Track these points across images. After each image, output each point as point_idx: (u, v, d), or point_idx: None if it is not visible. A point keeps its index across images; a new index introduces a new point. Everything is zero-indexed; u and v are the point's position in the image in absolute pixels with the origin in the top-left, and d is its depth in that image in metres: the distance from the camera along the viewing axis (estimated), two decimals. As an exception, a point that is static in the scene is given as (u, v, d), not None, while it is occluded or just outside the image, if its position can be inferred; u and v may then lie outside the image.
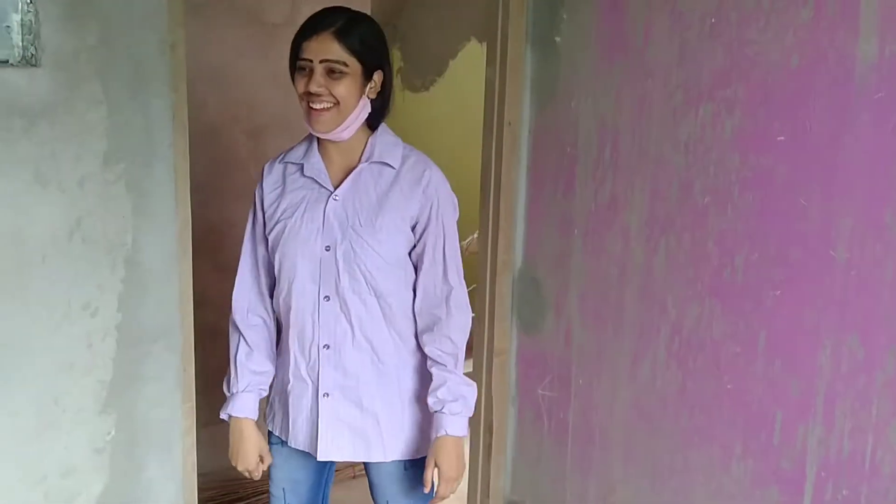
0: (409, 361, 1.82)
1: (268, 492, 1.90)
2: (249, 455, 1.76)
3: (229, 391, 1.78)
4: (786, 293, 1.91)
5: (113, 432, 1.70)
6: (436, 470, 1.75)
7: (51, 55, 1.51)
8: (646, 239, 2.15)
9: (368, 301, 1.71)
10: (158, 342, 1.75)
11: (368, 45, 1.64)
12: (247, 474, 1.81)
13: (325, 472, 1.90)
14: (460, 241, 1.85)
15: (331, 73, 1.58)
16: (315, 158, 1.71)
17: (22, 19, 1.50)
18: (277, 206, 1.72)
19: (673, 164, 2.07)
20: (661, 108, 2.07)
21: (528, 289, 2.46)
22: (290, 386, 1.77)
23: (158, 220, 1.71)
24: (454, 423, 1.72)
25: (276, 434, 1.84)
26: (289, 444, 1.81)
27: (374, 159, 1.70)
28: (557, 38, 2.31)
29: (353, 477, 3.33)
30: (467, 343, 1.88)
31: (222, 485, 2.94)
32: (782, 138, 1.89)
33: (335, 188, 1.69)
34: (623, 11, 2.14)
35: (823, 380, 1.88)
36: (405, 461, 1.84)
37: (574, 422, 2.38)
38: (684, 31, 2.00)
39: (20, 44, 1.50)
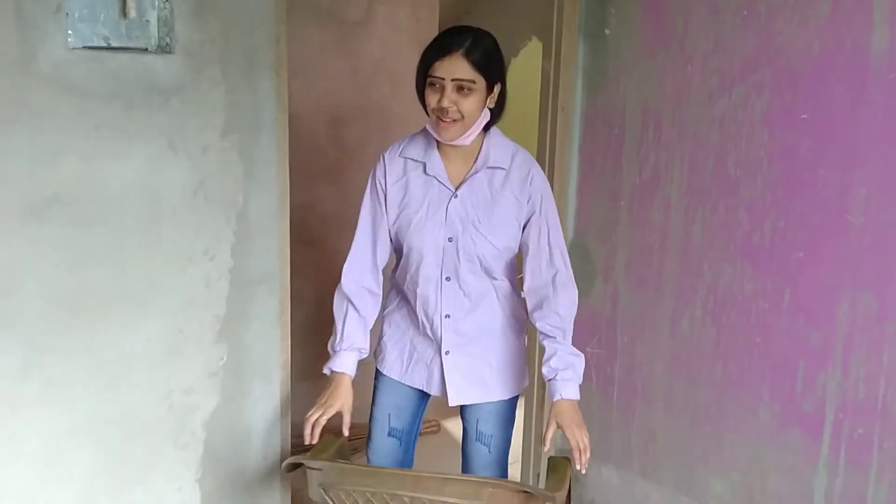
0: (512, 322, 2.07)
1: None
2: (335, 403, 1.86)
3: (333, 350, 1.94)
4: (808, 254, 2.14)
5: (225, 359, 2.00)
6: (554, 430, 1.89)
7: (182, 44, 1.82)
8: (684, 209, 2.38)
9: (482, 279, 1.97)
10: (262, 286, 2.04)
11: (492, 62, 1.81)
12: (308, 426, 1.85)
13: (424, 404, 2.16)
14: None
15: (460, 89, 1.76)
16: (436, 158, 1.91)
17: (159, 15, 1.82)
18: (402, 198, 1.93)
19: (709, 141, 2.30)
20: (699, 91, 2.30)
21: (578, 257, 2.72)
22: (414, 339, 2.04)
23: (263, 183, 2.00)
24: (567, 388, 1.89)
25: (385, 373, 2.08)
26: (401, 381, 2.06)
27: (489, 164, 1.91)
28: (606, 31, 2.56)
29: (429, 431, 3.63)
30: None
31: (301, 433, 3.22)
32: (805, 116, 2.11)
33: (455, 188, 1.91)
34: (665, 5, 2.37)
35: (841, 331, 2.09)
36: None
37: (619, 376, 2.62)
38: (719, 23, 2.23)
39: (157, 35, 1.82)
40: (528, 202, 1.93)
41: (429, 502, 1.57)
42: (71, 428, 1.81)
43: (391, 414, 2.06)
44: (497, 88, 1.88)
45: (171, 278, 1.89)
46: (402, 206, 1.93)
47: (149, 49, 1.81)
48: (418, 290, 1.97)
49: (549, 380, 1.92)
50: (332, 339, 1.99)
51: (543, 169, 2.71)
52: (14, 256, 1.69)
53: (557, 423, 1.87)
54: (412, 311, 2.03)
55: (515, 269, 2.06)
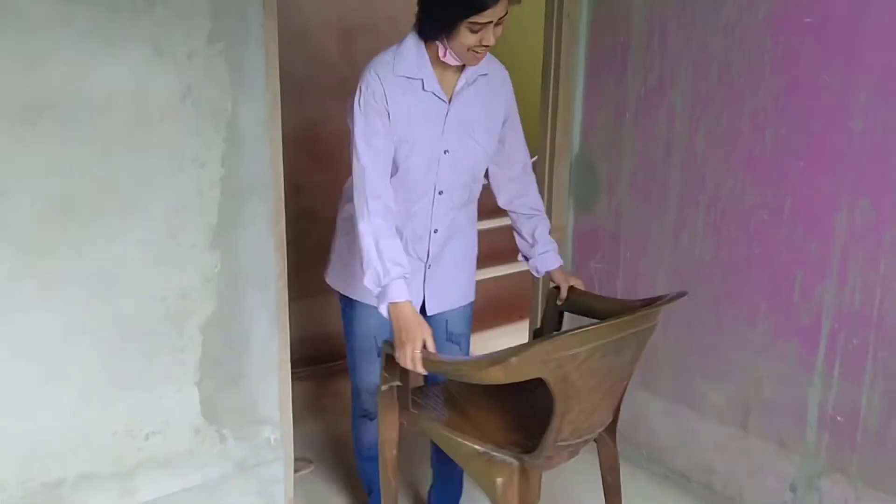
0: (474, 225, 2.14)
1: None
2: (418, 333, 1.75)
3: (380, 284, 1.80)
4: (809, 163, 2.09)
5: (219, 266, 2.04)
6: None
7: (164, -53, 1.83)
8: (688, 119, 2.33)
9: (466, 187, 2.01)
10: (254, 194, 2.06)
11: None
12: (410, 364, 1.74)
13: None
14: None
15: (496, 25, 1.77)
16: (430, 74, 1.90)
17: (142, -82, 1.81)
18: (404, 115, 1.89)
19: (713, 48, 2.24)
20: (704, -5, 2.24)
21: (583, 171, 2.69)
22: None
23: (252, 91, 2.00)
24: (558, 256, 2.07)
25: (358, 299, 2.04)
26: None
27: (479, 73, 1.93)
28: (613, -65, 2.48)
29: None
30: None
31: (312, 346, 3.30)
32: (809, 20, 2.04)
33: (449, 100, 1.92)
34: None
35: (839, 241, 2.06)
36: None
37: (621, 290, 2.62)
38: (726, -78, 2.15)
39: (140, -62, 1.82)
40: (505, 106, 2.00)
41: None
42: (69, 328, 1.87)
43: (376, 336, 2.06)
44: None
45: (161, 184, 1.93)
46: (404, 123, 1.91)
47: (132, -49, 1.80)
48: (412, 209, 1.98)
49: (543, 252, 2.06)
50: (371, 274, 1.82)
51: (548, 80, 2.69)
52: (5, 160, 1.73)
53: (568, 280, 2.07)
54: (400, 235, 1.99)
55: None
